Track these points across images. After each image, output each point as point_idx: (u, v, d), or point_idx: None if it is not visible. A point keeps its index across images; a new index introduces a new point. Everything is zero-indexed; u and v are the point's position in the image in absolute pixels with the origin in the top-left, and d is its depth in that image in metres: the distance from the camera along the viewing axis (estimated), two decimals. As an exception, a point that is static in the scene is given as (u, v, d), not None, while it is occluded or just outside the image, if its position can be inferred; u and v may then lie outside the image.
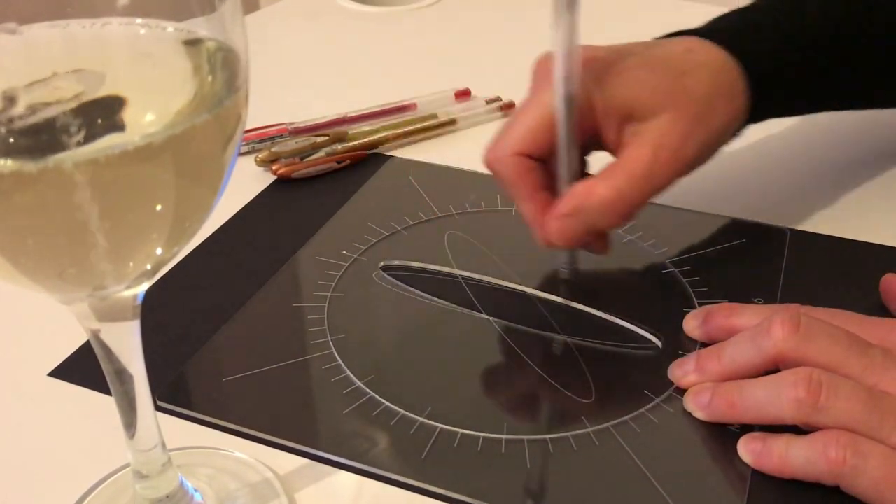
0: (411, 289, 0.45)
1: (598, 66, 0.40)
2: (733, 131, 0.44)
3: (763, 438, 0.35)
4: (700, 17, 0.47)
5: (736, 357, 0.37)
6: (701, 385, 0.37)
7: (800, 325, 0.35)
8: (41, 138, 0.22)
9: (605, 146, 0.42)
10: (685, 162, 0.41)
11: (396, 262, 0.46)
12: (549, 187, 0.41)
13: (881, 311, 0.42)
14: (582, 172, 0.43)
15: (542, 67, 0.42)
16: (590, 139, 0.41)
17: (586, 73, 0.39)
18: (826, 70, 0.46)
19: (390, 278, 0.45)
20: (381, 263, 0.46)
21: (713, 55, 0.42)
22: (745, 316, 0.39)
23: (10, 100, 0.22)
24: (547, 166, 0.41)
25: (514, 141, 0.41)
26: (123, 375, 0.29)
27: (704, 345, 0.40)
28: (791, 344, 0.35)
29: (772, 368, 0.36)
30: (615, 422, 0.37)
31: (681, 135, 0.40)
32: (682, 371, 0.38)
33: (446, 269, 0.46)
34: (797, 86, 0.46)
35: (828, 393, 0.33)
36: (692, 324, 0.41)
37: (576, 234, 0.40)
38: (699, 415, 0.37)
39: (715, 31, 0.44)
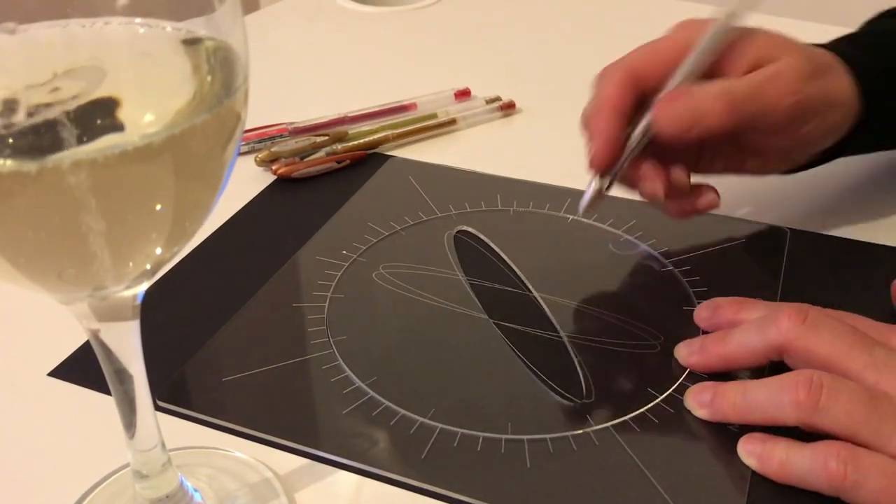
0: (411, 289, 0.45)
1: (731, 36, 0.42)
2: (838, 124, 0.44)
3: (763, 441, 0.35)
4: (701, 17, 0.47)
5: (741, 342, 0.37)
6: (702, 384, 0.37)
7: (807, 316, 0.36)
8: (41, 138, 0.22)
9: None
10: (801, 96, 0.41)
11: (470, 230, 0.47)
12: (624, 132, 0.42)
13: (881, 310, 0.42)
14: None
15: (682, 25, 0.43)
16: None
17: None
18: None
19: (390, 278, 0.45)
20: (458, 228, 0.46)
21: (831, 55, 0.44)
22: (753, 310, 0.40)
23: (10, 100, 0.22)
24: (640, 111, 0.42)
25: (632, 59, 0.42)
26: (123, 375, 0.29)
27: None
28: (796, 333, 0.35)
29: (775, 359, 0.37)
30: (615, 422, 0.37)
31: (798, 72, 0.41)
32: (688, 351, 0.39)
33: (505, 258, 0.46)
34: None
35: (828, 394, 0.33)
36: (702, 315, 0.41)
37: (683, 117, 0.40)
38: (700, 413, 0.37)
39: (825, 46, 0.46)
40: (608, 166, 0.42)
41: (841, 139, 0.45)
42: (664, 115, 0.41)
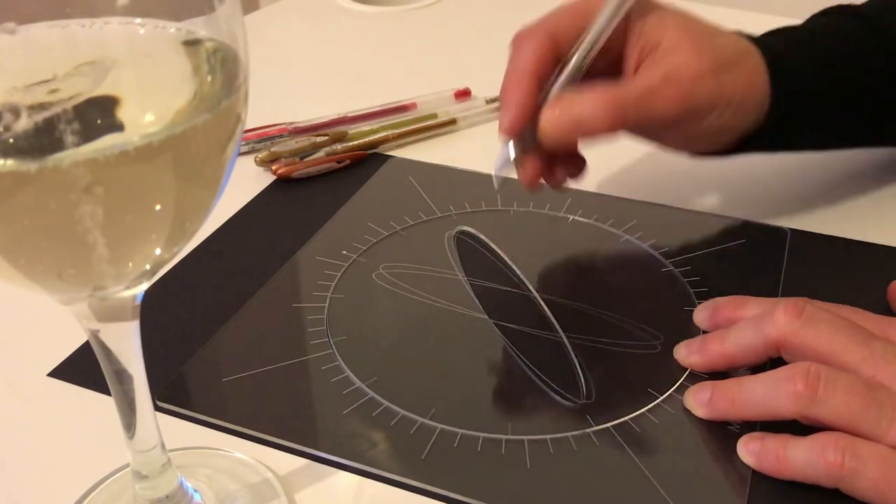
0: (411, 289, 0.45)
1: (646, 2, 0.42)
2: (746, 116, 0.44)
3: (761, 438, 0.35)
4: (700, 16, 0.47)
5: (739, 340, 0.38)
6: (701, 384, 0.37)
7: (803, 311, 0.36)
8: (41, 138, 0.22)
9: (621, 69, 0.43)
10: (692, 99, 0.41)
11: (470, 230, 0.47)
12: (536, 98, 0.42)
13: (881, 311, 0.42)
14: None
15: (521, 37, 0.43)
16: (609, 59, 0.42)
17: (634, 5, 0.41)
18: (849, 106, 0.47)
19: (390, 278, 0.45)
20: (458, 228, 0.47)
21: (748, 45, 0.44)
22: (752, 308, 0.40)
23: (10, 100, 0.22)
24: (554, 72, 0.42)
25: (550, 23, 0.42)
26: (123, 375, 0.29)
27: None
28: (792, 328, 0.35)
29: (774, 355, 0.37)
30: (615, 422, 0.37)
31: (694, 73, 0.41)
32: (687, 350, 0.39)
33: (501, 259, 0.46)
34: (818, 116, 0.47)
35: (826, 385, 0.33)
36: (702, 315, 0.42)
37: (566, 125, 0.40)
38: (699, 412, 0.37)
39: (752, 37, 0.45)
40: (517, 131, 0.42)
41: (749, 135, 0.45)
42: (549, 121, 0.41)
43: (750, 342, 0.37)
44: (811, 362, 0.34)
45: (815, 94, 0.46)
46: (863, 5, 0.50)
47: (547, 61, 0.42)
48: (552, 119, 0.41)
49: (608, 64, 0.43)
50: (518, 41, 0.43)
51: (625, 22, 0.42)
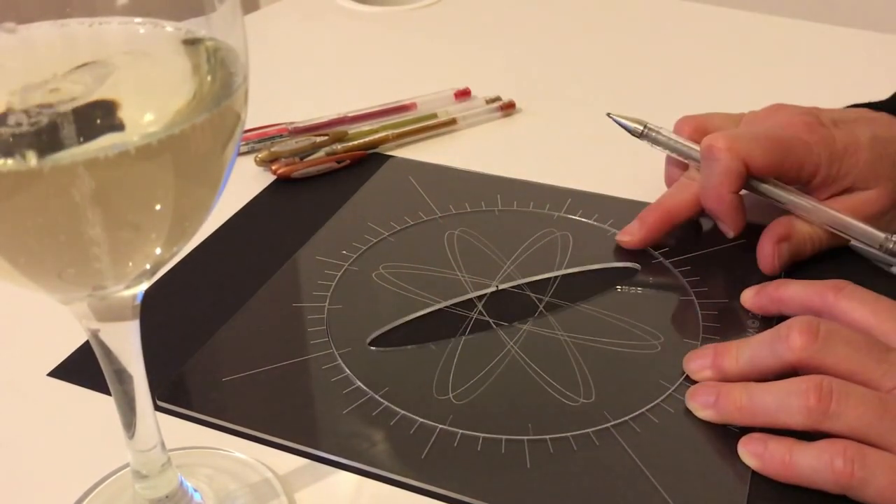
0: (411, 289, 0.45)
1: (832, 146, 0.45)
2: None
3: (764, 441, 0.34)
4: (700, 17, 0.47)
5: (754, 360, 0.37)
6: (703, 384, 0.37)
7: (818, 333, 0.35)
8: (40, 138, 0.22)
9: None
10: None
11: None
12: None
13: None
14: None
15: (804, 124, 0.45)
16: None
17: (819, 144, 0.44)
18: None
19: (390, 278, 0.45)
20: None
21: None
22: (792, 288, 0.41)
23: (10, 100, 0.22)
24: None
25: (755, 152, 0.44)
26: (123, 375, 0.29)
27: (705, 341, 0.40)
28: (809, 353, 0.35)
29: (789, 372, 0.36)
30: (615, 422, 0.37)
31: (882, 208, 0.45)
32: (698, 366, 0.39)
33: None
34: None
35: (839, 400, 0.33)
36: (747, 294, 0.43)
37: (783, 259, 0.45)
38: (703, 414, 0.37)
39: None
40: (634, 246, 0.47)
41: None
42: (773, 262, 0.44)
43: (765, 364, 0.36)
44: (824, 376, 0.34)
45: None
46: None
47: (737, 185, 0.44)
48: (772, 256, 0.45)
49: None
50: (719, 154, 0.44)
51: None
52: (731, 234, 0.46)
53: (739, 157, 0.43)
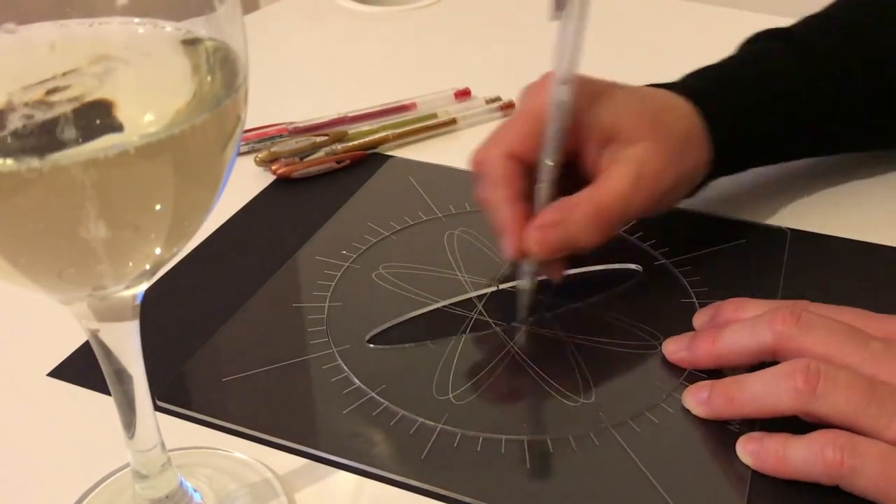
0: (411, 289, 0.45)
1: (589, 89, 0.42)
2: (697, 181, 0.46)
3: (760, 439, 0.35)
4: (700, 17, 0.47)
5: (731, 341, 0.37)
6: (700, 383, 0.37)
7: (800, 317, 0.36)
8: (40, 138, 0.22)
9: (582, 167, 0.43)
10: (660, 192, 0.42)
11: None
12: (530, 198, 0.41)
13: (880, 310, 0.42)
14: (560, 184, 0.42)
15: (531, 91, 0.43)
16: (569, 157, 0.42)
17: (578, 94, 0.40)
18: (789, 132, 0.49)
19: (390, 278, 0.45)
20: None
21: (686, 106, 0.44)
22: (752, 310, 0.39)
23: (10, 100, 0.22)
24: (530, 178, 0.41)
25: (504, 143, 0.42)
26: (123, 375, 0.29)
27: None
28: (789, 334, 0.35)
29: (767, 360, 0.36)
30: (615, 422, 0.37)
31: (660, 164, 0.41)
32: (676, 347, 0.39)
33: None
34: (760, 146, 0.49)
35: (825, 381, 0.33)
36: (702, 319, 0.41)
37: (554, 245, 0.40)
38: (698, 411, 0.37)
39: (684, 88, 0.46)
40: (523, 255, 0.41)
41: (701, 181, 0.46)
42: (539, 247, 0.40)
43: (743, 345, 0.37)
44: (810, 359, 0.34)
45: (749, 121, 0.47)
46: (790, 27, 0.51)
47: (516, 180, 0.41)
48: (541, 241, 0.40)
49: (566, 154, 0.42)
50: (479, 168, 0.43)
51: (575, 114, 0.40)
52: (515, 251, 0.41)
53: (502, 154, 0.41)
